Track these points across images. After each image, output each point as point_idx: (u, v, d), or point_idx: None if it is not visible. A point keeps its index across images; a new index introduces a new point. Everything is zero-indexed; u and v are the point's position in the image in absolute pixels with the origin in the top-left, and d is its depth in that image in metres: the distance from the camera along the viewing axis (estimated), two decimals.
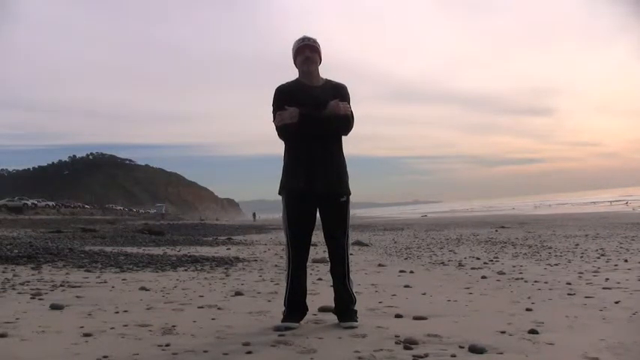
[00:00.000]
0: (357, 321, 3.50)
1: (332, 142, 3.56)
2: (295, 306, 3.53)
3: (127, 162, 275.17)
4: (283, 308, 3.56)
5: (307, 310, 3.61)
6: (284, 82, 3.64)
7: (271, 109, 3.60)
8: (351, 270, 3.63)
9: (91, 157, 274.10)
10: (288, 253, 3.57)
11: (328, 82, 3.66)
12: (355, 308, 3.58)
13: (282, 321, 3.47)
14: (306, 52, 3.55)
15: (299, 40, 3.61)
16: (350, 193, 3.59)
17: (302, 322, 3.54)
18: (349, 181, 3.63)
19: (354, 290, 3.61)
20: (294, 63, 3.63)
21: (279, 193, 3.61)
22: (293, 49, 3.61)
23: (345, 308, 3.54)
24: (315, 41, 3.60)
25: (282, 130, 3.50)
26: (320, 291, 4.95)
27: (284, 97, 3.54)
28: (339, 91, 3.61)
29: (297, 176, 3.50)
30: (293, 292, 3.53)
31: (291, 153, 3.56)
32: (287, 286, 3.56)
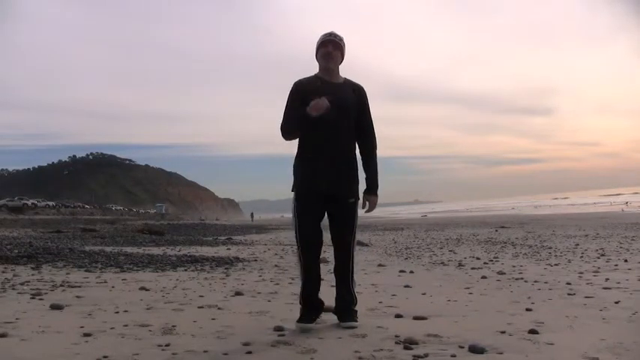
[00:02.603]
0: (357, 321, 3.47)
1: (345, 143, 3.49)
2: (309, 304, 3.49)
3: (127, 162, 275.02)
4: (300, 307, 3.53)
5: (323, 305, 3.56)
6: (303, 77, 3.58)
7: (285, 104, 3.52)
8: (355, 271, 3.59)
9: (91, 157, 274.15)
10: (298, 251, 3.50)
11: (347, 81, 3.59)
12: (356, 309, 3.55)
13: (298, 321, 3.42)
14: (329, 47, 3.48)
15: (325, 34, 3.54)
16: (359, 197, 3.54)
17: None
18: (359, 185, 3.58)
19: (356, 291, 3.59)
20: (316, 56, 3.55)
21: (292, 191, 3.55)
22: (317, 42, 3.54)
23: (345, 308, 3.51)
24: (341, 39, 3.53)
25: (289, 127, 3.46)
26: (320, 291, 4.94)
27: (302, 90, 3.47)
28: (357, 92, 3.56)
29: (308, 175, 3.44)
30: (306, 289, 3.49)
31: (304, 152, 3.50)
32: (302, 283, 3.52)
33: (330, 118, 3.37)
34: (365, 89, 3.61)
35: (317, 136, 3.42)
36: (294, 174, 3.52)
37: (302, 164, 3.49)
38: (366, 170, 3.57)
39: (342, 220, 3.50)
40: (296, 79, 3.56)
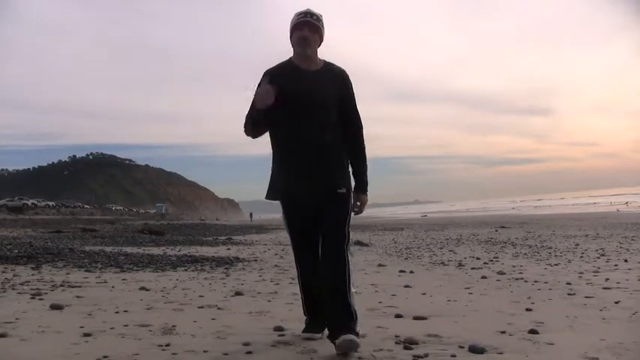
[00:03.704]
0: (357, 337, 2.79)
1: (326, 138, 2.98)
2: (315, 314, 3.13)
3: (127, 162, 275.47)
4: (305, 317, 3.22)
5: None
6: (274, 65, 3.08)
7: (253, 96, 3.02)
8: (352, 280, 2.92)
9: (91, 157, 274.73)
10: (295, 257, 3.19)
11: (327, 65, 3.10)
12: (357, 329, 2.84)
13: (304, 331, 3.16)
14: (305, 30, 2.97)
15: (299, 13, 3.02)
16: (350, 187, 3.03)
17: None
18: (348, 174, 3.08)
19: (354, 304, 2.89)
20: (290, 39, 3.05)
21: (271, 198, 3.10)
22: (291, 22, 3.03)
23: (343, 324, 2.78)
24: (317, 19, 3.01)
25: (247, 129, 3.05)
26: None
27: (273, 82, 2.95)
28: (338, 79, 3.08)
29: (288, 182, 3.01)
30: (309, 299, 3.17)
31: (280, 153, 3.05)
32: (301, 294, 3.22)
33: (306, 113, 2.94)
34: (347, 74, 3.12)
35: (292, 135, 2.96)
36: (271, 179, 3.09)
37: (279, 168, 3.05)
38: (354, 167, 3.09)
39: (331, 212, 2.94)
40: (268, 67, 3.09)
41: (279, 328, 3.38)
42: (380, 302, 4.49)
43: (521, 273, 6.62)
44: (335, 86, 3.05)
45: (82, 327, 3.39)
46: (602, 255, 8.57)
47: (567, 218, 27.57)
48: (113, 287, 5.44)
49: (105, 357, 2.72)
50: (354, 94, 3.13)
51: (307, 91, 2.97)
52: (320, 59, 3.10)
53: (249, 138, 3.09)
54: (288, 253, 10.58)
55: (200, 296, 4.87)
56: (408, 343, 2.96)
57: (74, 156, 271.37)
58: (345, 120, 3.07)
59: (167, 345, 2.96)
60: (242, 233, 22.51)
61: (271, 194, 3.11)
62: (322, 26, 3.05)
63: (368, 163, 3.14)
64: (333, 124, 3.02)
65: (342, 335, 2.70)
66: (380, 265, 8.05)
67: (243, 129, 3.07)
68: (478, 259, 8.67)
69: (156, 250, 10.85)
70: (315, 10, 3.05)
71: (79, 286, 5.43)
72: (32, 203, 61.58)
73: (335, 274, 2.86)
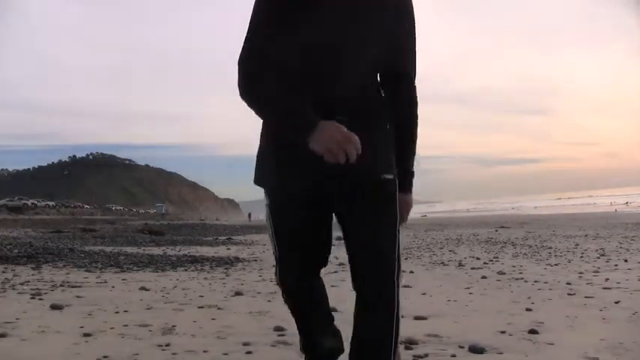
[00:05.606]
0: None
1: (366, 87, 1.73)
2: (318, 355, 2.02)
3: (127, 162, 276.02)
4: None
5: (341, 349, 2.06)
6: None
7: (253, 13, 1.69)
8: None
9: (91, 157, 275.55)
10: (281, 289, 2.02)
11: None
12: None
13: None
14: None
15: None
16: (395, 174, 1.74)
17: None
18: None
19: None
20: None
21: (258, 184, 1.85)
22: None
23: None
24: None
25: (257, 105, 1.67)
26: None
27: (276, 9, 1.64)
28: (389, 4, 1.70)
29: (290, 161, 1.67)
30: (307, 333, 2.03)
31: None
32: (299, 330, 2.04)
33: (334, 42, 1.63)
34: None
35: (309, 78, 1.64)
36: (258, 157, 1.82)
37: (267, 142, 1.78)
38: (397, 147, 1.79)
39: (369, 217, 1.71)
40: None
41: (279, 328, 3.38)
42: None
43: (521, 273, 6.62)
44: (386, 7, 1.70)
45: (82, 327, 3.39)
46: (602, 255, 8.57)
47: (567, 218, 27.56)
48: (113, 287, 5.44)
49: (105, 357, 2.72)
50: (414, 19, 1.77)
51: (331, 37, 1.63)
52: None
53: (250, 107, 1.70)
54: None
55: (200, 296, 4.87)
56: (408, 343, 2.96)
57: (74, 156, 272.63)
58: (394, 66, 1.77)
59: (167, 345, 2.96)
60: (242, 233, 22.51)
61: (260, 179, 1.84)
62: None
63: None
64: (376, 69, 1.76)
65: None
66: None
67: (241, 90, 1.69)
68: (478, 259, 8.67)
69: (156, 250, 10.86)
70: None
71: (79, 286, 5.43)
72: (32, 203, 61.67)
73: (376, 320, 1.72)
